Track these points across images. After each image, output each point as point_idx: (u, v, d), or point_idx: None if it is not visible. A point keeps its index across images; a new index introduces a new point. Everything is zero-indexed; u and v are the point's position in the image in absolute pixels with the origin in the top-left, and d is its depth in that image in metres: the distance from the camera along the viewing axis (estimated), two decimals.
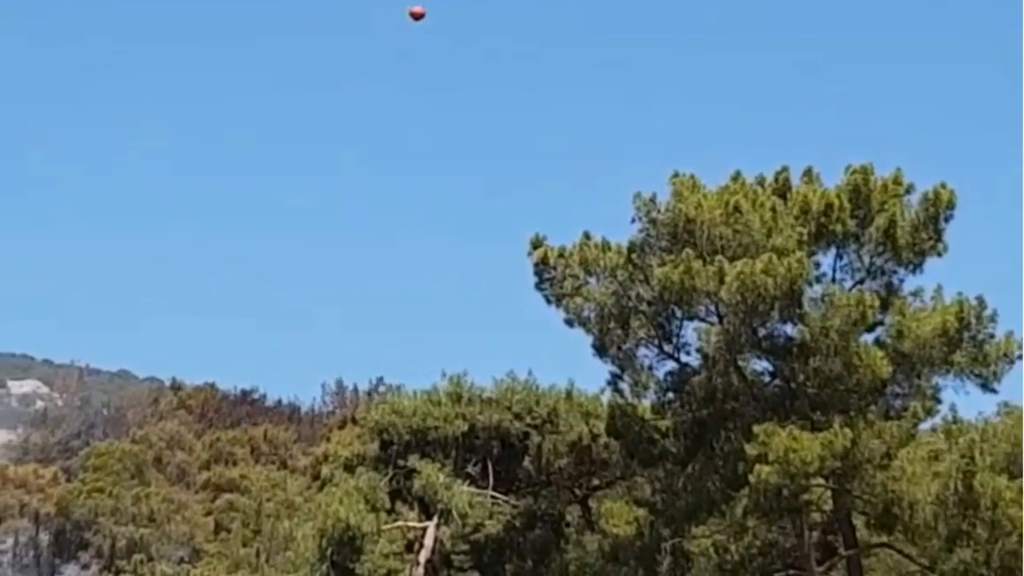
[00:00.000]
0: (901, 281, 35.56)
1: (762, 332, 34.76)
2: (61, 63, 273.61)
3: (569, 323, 37.10)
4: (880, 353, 33.97)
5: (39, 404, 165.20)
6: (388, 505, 39.84)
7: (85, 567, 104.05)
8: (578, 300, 36.77)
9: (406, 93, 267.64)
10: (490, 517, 40.15)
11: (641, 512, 37.82)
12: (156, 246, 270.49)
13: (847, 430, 33.29)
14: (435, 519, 39.66)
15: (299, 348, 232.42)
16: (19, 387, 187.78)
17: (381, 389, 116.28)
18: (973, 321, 34.52)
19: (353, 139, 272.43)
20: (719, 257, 34.12)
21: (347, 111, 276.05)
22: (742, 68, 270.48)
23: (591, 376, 51.67)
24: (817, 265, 35.20)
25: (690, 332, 36.01)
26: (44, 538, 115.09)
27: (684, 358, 36.48)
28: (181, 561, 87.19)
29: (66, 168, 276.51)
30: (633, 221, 35.97)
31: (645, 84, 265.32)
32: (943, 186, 35.19)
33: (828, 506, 36.43)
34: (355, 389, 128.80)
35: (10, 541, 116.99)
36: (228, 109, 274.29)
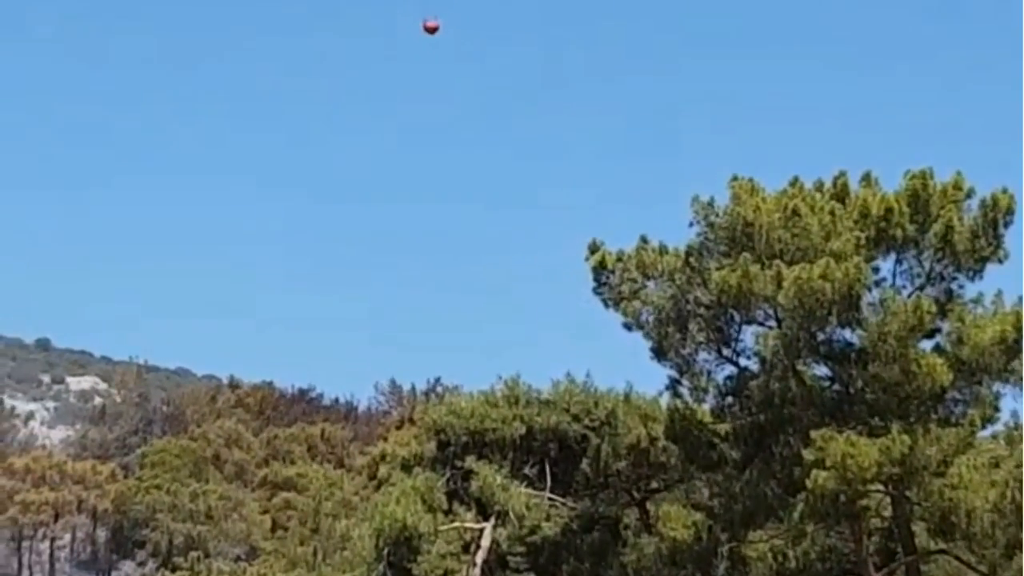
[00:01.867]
0: (961, 287, 35.65)
1: (820, 337, 34.96)
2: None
3: (627, 327, 37.41)
4: (939, 360, 34.02)
5: (97, 400, 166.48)
6: (445, 506, 40.20)
7: (141, 564, 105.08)
8: (636, 304, 37.06)
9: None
10: (547, 519, 40.45)
11: (699, 516, 38.08)
12: (213, 250, 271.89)
13: (905, 436, 33.43)
14: (492, 520, 39.98)
15: (355, 349, 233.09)
16: (78, 383, 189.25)
17: (438, 390, 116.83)
18: None
19: (383, 155, 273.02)
20: (777, 261, 34.35)
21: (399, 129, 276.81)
22: (793, 77, 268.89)
23: (650, 380, 52.00)
24: (876, 270, 35.32)
25: (749, 336, 36.24)
26: (102, 534, 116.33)
27: (743, 362, 36.72)
28: (238, 559, 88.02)
29: (130, 163, 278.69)
30: (691, 225, 36.27)
31: (704, 93, 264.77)
32: (1003, 191, 35.25)
33: (887, 512, 36.61)
34: (412, 389, 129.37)
35: (68, 537, 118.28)
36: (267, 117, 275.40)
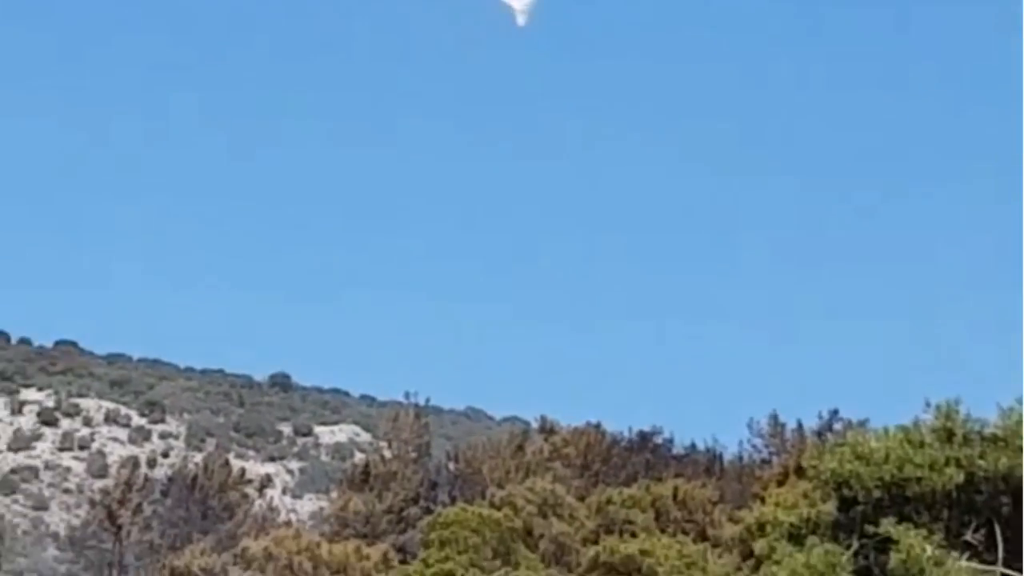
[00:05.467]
0: None
1: None
2: None
3: None
4: None
5: (358, 457, 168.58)
6: None
7: None
8: None
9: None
10: None
11: None
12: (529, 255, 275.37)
13: None
14: None
15: (713, 377, 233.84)
16: (331, 435, 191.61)
17: (836, 427, 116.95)
18: None
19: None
20: None
21: None
22: None
23: None
24: None
25: None
26: None
27: None
28: None
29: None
30: None
31: None
32: None
33: None
34: (799, 427, 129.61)
35: None
36: None
